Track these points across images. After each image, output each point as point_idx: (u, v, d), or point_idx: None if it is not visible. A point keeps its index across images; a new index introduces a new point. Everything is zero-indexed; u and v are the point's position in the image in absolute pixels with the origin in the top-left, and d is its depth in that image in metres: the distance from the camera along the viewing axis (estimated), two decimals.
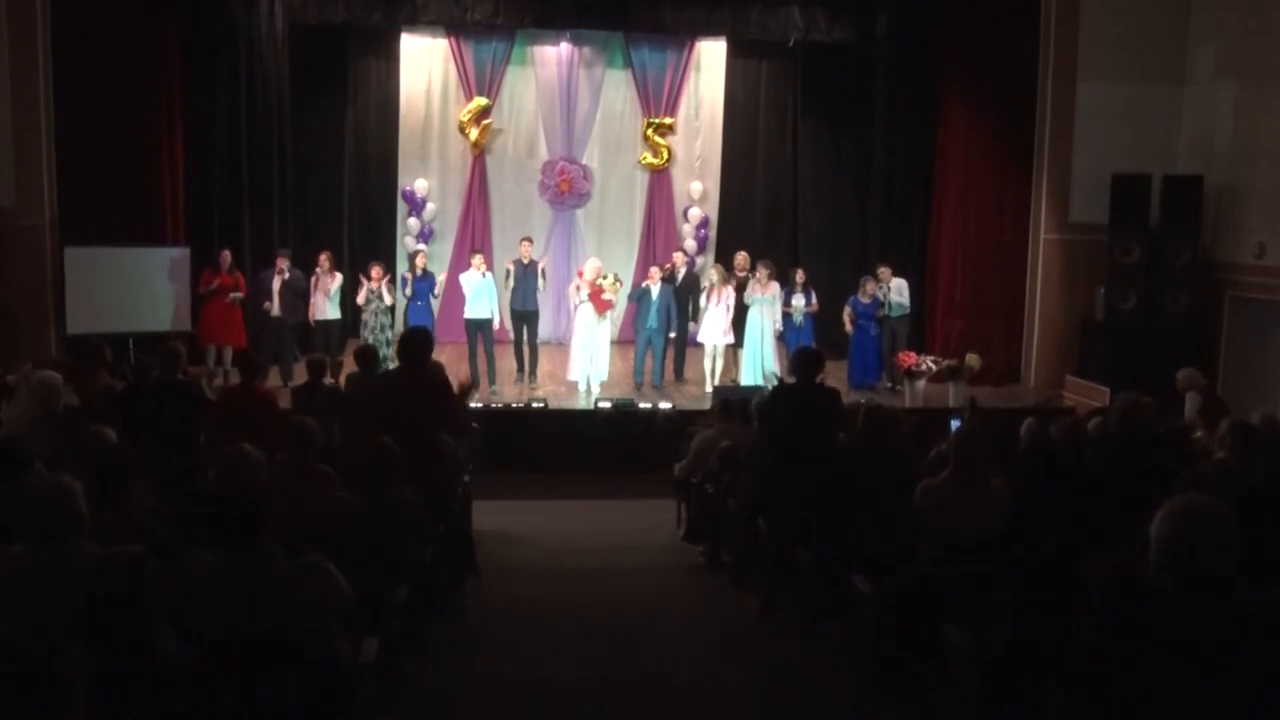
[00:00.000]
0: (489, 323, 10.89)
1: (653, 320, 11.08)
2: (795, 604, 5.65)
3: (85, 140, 10.94)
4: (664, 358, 11.32)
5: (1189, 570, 2.49)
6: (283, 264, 11.04)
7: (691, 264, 13.48)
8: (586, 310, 10.96)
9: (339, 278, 11.37)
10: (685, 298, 11.35)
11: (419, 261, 11.36)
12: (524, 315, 11.10)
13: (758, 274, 11.26)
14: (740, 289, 11.35)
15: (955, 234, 12.41)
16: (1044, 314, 11.69)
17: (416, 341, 5.95)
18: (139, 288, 10.95)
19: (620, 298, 11.44)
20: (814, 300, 11.42)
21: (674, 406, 10.22)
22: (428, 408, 5.75)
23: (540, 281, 11.16)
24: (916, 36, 12.61)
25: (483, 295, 11.01)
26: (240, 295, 11.00)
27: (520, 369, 11.06)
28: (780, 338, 11.26)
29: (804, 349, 6.76)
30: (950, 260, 12.51)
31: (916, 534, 4.77)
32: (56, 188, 10.86)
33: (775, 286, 11.26)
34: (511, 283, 11.05)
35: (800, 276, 11.47)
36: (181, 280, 11.05)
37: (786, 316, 11.28)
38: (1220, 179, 10.77)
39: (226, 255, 11.00)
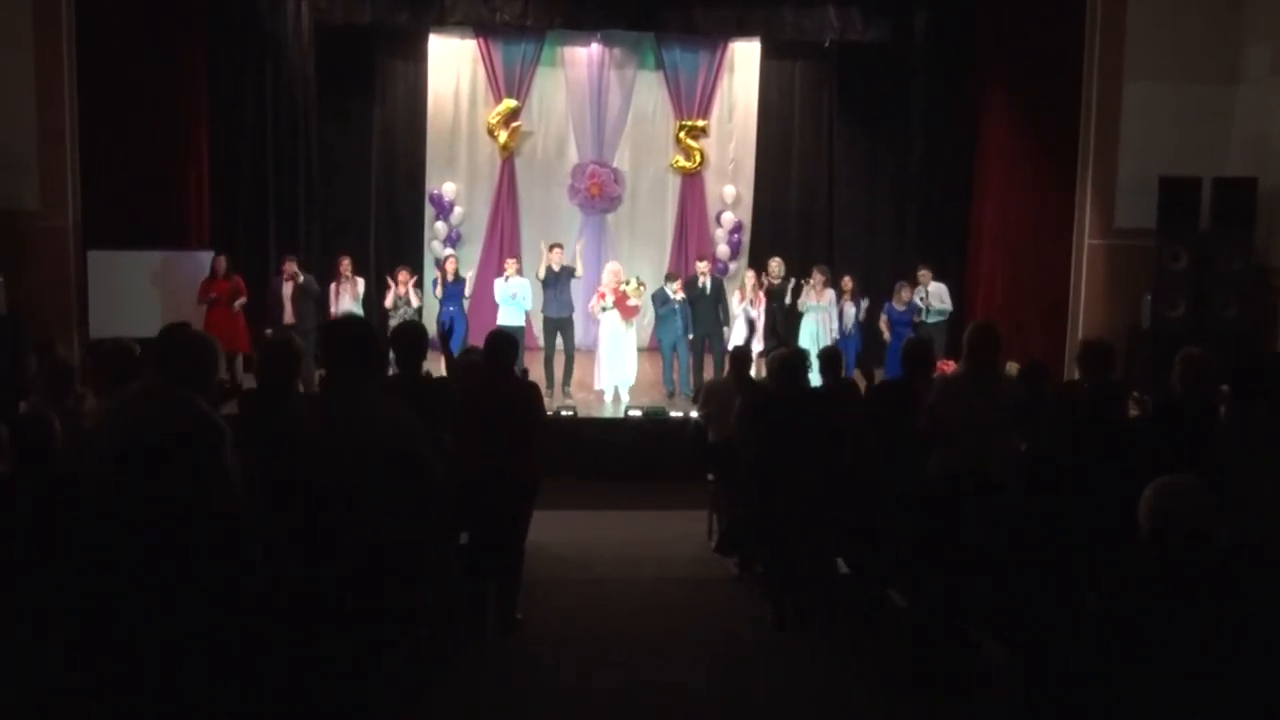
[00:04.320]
0: (520, 331, 10.86)
1: (676, 328, 11.04)
2: (830, 617, 5.64)
3: (109, 142, 10.97)
4: (690, 366, 11.23)
5: (1173, 532, 3.03)
6: (292, 268, 10.99)
7: (724, 270, 13.45)
8: (613, 317, 10.91)
9: (362, 282, 11.39)
10: (715, 305, 11.29)
11: (449, 266, 11.35)
12: (558, 323, 11.04)
13: (812, 280, 11.23)
14: (775, 295, 11.31)
15: (995, 239, 12.28)
16: (1088, 322, 11.46)
17: (504, 346, 5.82)
18: (163, 291, 11.00)
19: (645, 301, 11.39)
20: (864, 308, 11.40)
21: None
22: (522, 416, 5.67)
23: (577, 268, 11.17)
24: (955, 36, 12.49)
25: (516, 302, 10.99)
26: (242, 300, 10.93)
27: (550, 382, 10.94)
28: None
29: (916, 340, 6.72)
30: (990, 266, 12.37)
31: (930, 424, 5.18)
32: (80, 190, 10.89)
33: (831, 294, 11.25)
34: (543, 274, 11.04)
35: (848, 284, 11.43)
36: None
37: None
38: (1275, 181, 10.51)
39: (222, 260, 10.90)
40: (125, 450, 3.66)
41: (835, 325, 11.22)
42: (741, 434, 6.34)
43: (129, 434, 3.74)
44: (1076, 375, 11.46)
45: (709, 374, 10.99)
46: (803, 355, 6.63)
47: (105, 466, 3.66)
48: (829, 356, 6.99)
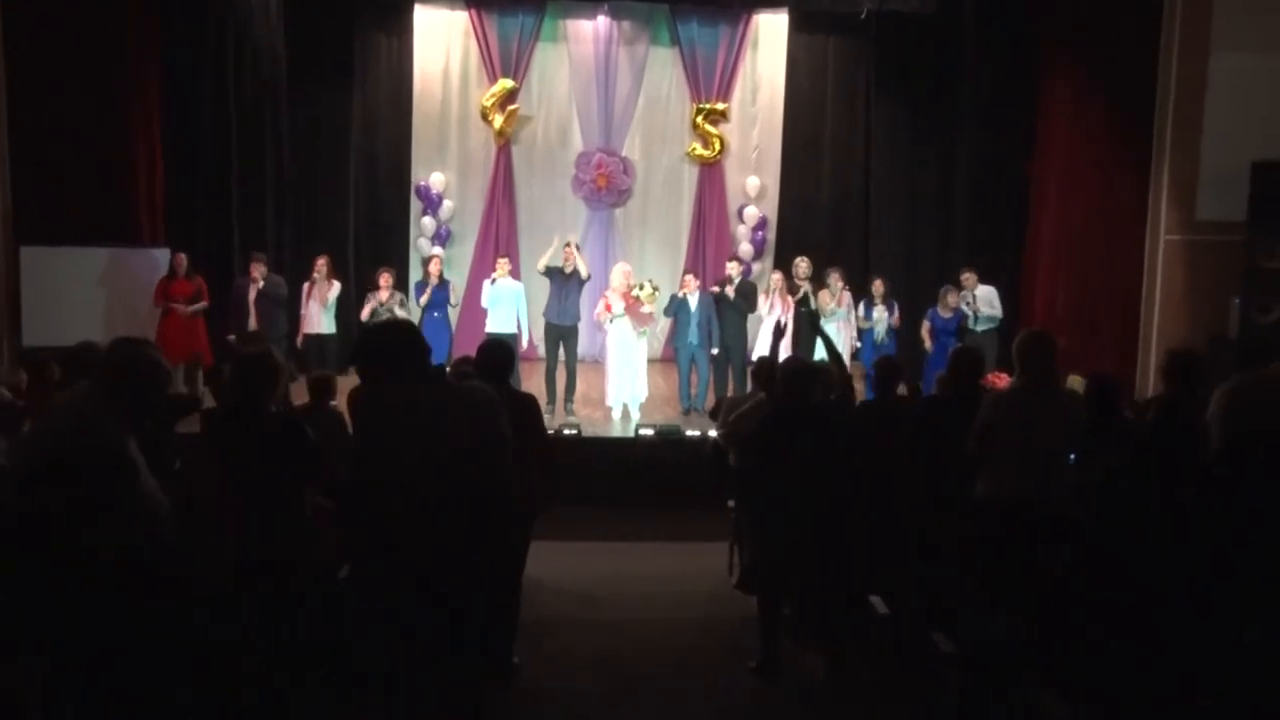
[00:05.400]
0: (512, 339, 10.79)
1: (693, 336, 10.90)
2: (865, 664, 5.59)
3: (45, 125, 10.85)
4: (711, 379, 11.12)
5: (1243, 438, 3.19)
6: (257, 271, 10.94)
7: (748, 271, 13.37)
8: (623, 325, 10.82)
9: (337, 286, 11.33)
10: (742, 312, 11.15)
11: (434, 267, 11.28)
12: (562, 331, 10.94)
13: (830, 283, 11.14)
14: (802, 300, 11.23)
15: (1056, 236, 12.19)
16: (1164, 330, 11.35)
17: (499, 356, 5.72)
18: (110, 294, 10.90)
19: (658, 307, 11.34)
20: (897, 313, 11.29)
21: None
22: (518, 433, 5.58)
23: (580, 265, 11.03)
24: (1011, 3, 12.40)
25: (507, 306, 10.92)
26: (203, 305, 10.81)
27: (551, 397, 10.85)
28: (856, 356, 11.10)
29: (964, 349, 6.65)
30: (1050, 267, 12.28)
31: (979, 443, 5.23)
32: (10, 178, 10.77)
33: (849, 297, 11.15)
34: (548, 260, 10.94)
35: (880, 287, 11.33)
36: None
37: (862, 332, 11.18)
38: None
39: (183, 258, 10.76)
40: (29, 472, 3.63)
41: (856, 333, 11.19)
42: (743, 454, 6.29)
43: (35, 453, 3.72)
44: (1151, 390, 11.40)
45: (730, 390, 10.88)
46: (809, 366, 6.53)
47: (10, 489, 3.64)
48: (885, 368, 6.88)
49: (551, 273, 10.93)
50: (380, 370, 3.91)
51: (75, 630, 3.42)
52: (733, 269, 11.30)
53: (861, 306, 11.31)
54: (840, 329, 11.06)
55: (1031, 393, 5.24)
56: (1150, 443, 4.72)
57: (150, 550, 3.66)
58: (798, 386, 5.89)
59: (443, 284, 11.19)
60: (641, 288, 10.90)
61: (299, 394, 7.92)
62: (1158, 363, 11.17)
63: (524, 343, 11.03)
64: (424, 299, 11.02)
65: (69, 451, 3.62)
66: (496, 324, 10.79)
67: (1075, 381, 10.91)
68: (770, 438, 5.82)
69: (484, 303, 11.02)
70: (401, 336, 4.00)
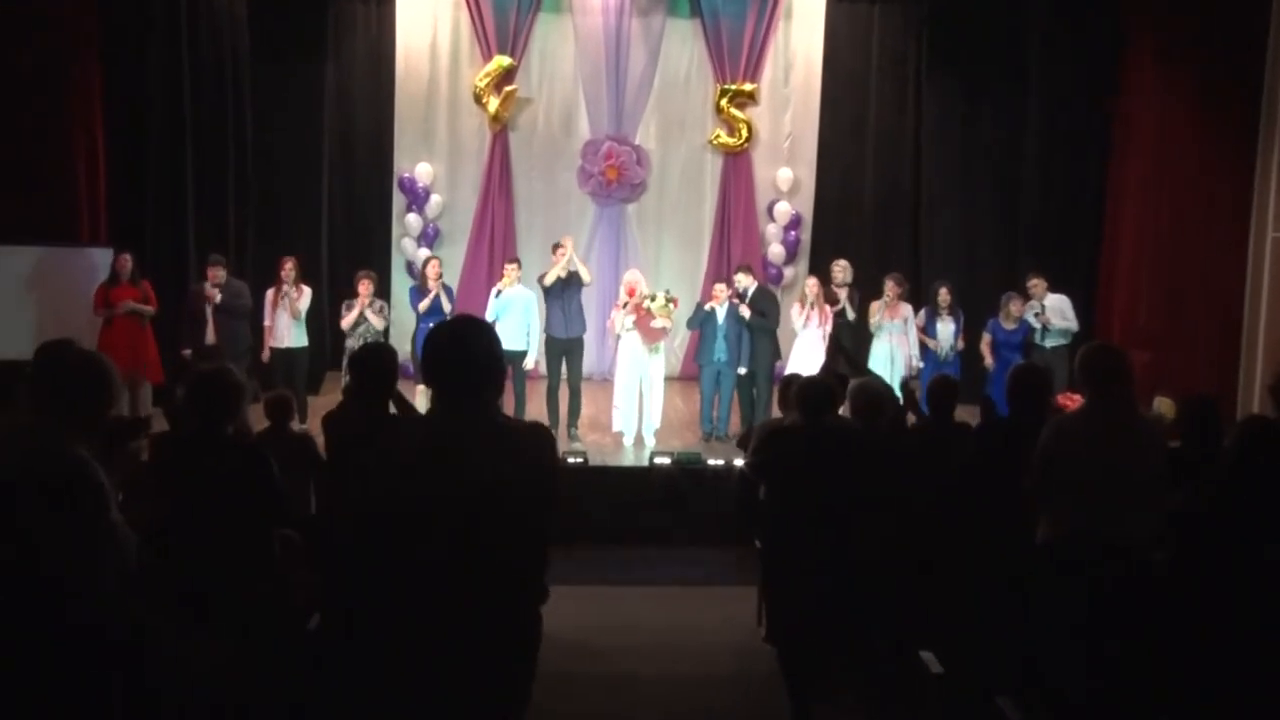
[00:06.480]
0: (522, 356, 10.70)
1: (720, 352, 10.79)
2: None
3: None
4: (734, 401, 11.02)
5: None
6: (215, 276, 10.86)
7: (777, 277, 13.28)
8: (633, 340, 10.72)
9: (308, 293, 11.21)
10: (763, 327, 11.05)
11: (433, 271, 11.13)
12: (565, 345, 10.85)
13: (887, 292, 11.09)
14: (842, 310, 11.15)
15: (1141, 236, 12.19)
16: (1271, 342, 11.26)
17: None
18: (40, 300, 10.88)
19: (677, 322, 11.19)
20: (962, 326, 11.23)
21: None
22: None
23: (582, 272, 10.92)
24: None
25: (517, 319, 10.80)
26: (149, 309, 10.74)
27: (554, 421, 10.78)
28: (918, 375, 11.04)
29: (1027, 366, 6.65)
30: (1133, 271, 12.28)
31: (1038, 476, 5.21)
32: None
33: (907, 309, 11.07)
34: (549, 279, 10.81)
35: (946, 297, 11.24)
36: None
37: (924, 347, 11.14)
38: None
39: (127, 260, 10.70)
40: None
41: (914, 349, 11.13)
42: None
43: None
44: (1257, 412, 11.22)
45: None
46: (823, 385, 6.44)
47: None
48: (941, 388, 6.78)
49: (554, 283, 10.78)
50: (480, 387, 3.66)
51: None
52: (742, 280, 11.03)
53: (923, 317, 11.18)
54: (898, 344, 10.97)
55: (1101, 417, 5.17)
56: (1236, 473, 4.59)
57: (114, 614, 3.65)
58: (810, 406, 5.97)
59: (443, 290, 11.04)
60: (653, 299, 10.75)
61: (260, 417, 7.83)
62: (1264, 381, 11.06)
63: (530, 361, 10.87)
64: (423, 305, 10.90)
65: (32, 481, 3.56)
66: (504, 339, 10.61)
67: (1164, 405, 10.83)
68: (776, 459, 5.97)
69: (489, 315, 10.88)
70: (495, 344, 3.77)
